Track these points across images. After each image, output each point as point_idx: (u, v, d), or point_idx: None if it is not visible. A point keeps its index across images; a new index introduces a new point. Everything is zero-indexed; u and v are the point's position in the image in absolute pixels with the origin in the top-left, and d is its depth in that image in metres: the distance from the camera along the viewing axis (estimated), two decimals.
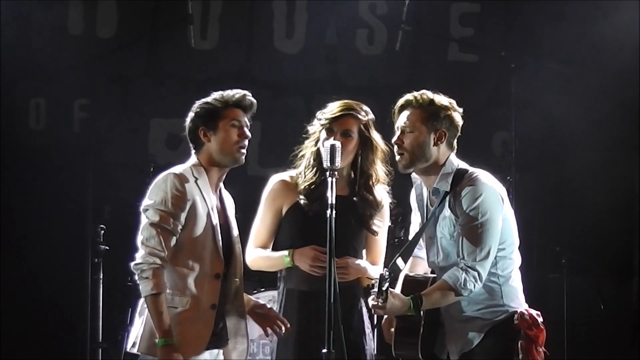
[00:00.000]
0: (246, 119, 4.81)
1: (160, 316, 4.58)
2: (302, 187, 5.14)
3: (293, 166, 5.25)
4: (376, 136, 5.17)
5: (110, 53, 8.37)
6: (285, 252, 5.10)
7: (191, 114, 4.81)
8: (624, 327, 8.25)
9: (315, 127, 5.18)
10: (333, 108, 5.14)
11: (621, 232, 8.41)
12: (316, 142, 5.16)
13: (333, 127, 5.11)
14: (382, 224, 5.20)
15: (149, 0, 8.61)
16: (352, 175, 5.14)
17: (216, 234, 4.74)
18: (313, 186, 5.12)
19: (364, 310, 5.17)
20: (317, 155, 5.13)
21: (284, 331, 4.95)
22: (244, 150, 4.79)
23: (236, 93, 4.80)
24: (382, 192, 5.21)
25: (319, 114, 5.18)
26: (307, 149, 5.20)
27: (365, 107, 5.19)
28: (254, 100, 4.84)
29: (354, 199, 5.13)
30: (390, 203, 5.25)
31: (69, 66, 8.31)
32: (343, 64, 8.68)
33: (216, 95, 4.81)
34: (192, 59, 8.55)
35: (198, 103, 4.82)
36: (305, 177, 5.15)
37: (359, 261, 5.12)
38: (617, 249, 8.44)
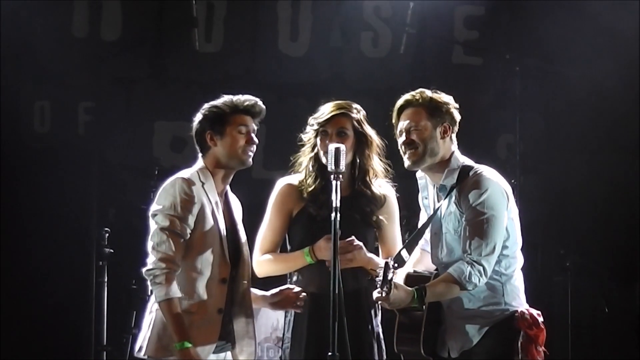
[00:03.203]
0: (253, 125, 4.81)
1: (177, 320, 4.59)
2: (306, 193, 5.15)
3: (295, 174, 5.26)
4: (370, 131, 5.19)
5: (115, 56, 8.38)
6: (305, 250, 5.09)
7: (199, 116, 4.81)
8: (628, 329, 8.24)
9: (310, 134, 5.20)
10: (324, 111, 5.16)
11: (625, 235, 8.39)
12: (312, 148, 5.18)
13: (327, 128, 5.13)
14: (388, 217, 5.21)
15: (154, 3, 8.61)
16: (351, 173, 5.14)
17: (222, 238, 4.74)
18: (315, 192, 5.13)
19: (375, 313, 5.17)
20: (316, 161, 5.16)
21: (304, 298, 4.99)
22: (251, 153, 4.80)
23: (246, 100, 4.80)
24: (383, 186, 5.21)
25: (311, 120, 5.20)
26: (305, 156, 5.22)
27: (356, 105, 5.21)
28: (264, 107, 4.84)
29: (355, 196, 5.14)
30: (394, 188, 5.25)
31: (73, 69, 8.33)
32: (347, 67, 8.68)
33: (226, 99, 4.80)
34: (197, 61, 8.54)
35: (207, 106, 4.82)
36: (306, 184, 5.17)
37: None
38: (622, 251, 8.42)
